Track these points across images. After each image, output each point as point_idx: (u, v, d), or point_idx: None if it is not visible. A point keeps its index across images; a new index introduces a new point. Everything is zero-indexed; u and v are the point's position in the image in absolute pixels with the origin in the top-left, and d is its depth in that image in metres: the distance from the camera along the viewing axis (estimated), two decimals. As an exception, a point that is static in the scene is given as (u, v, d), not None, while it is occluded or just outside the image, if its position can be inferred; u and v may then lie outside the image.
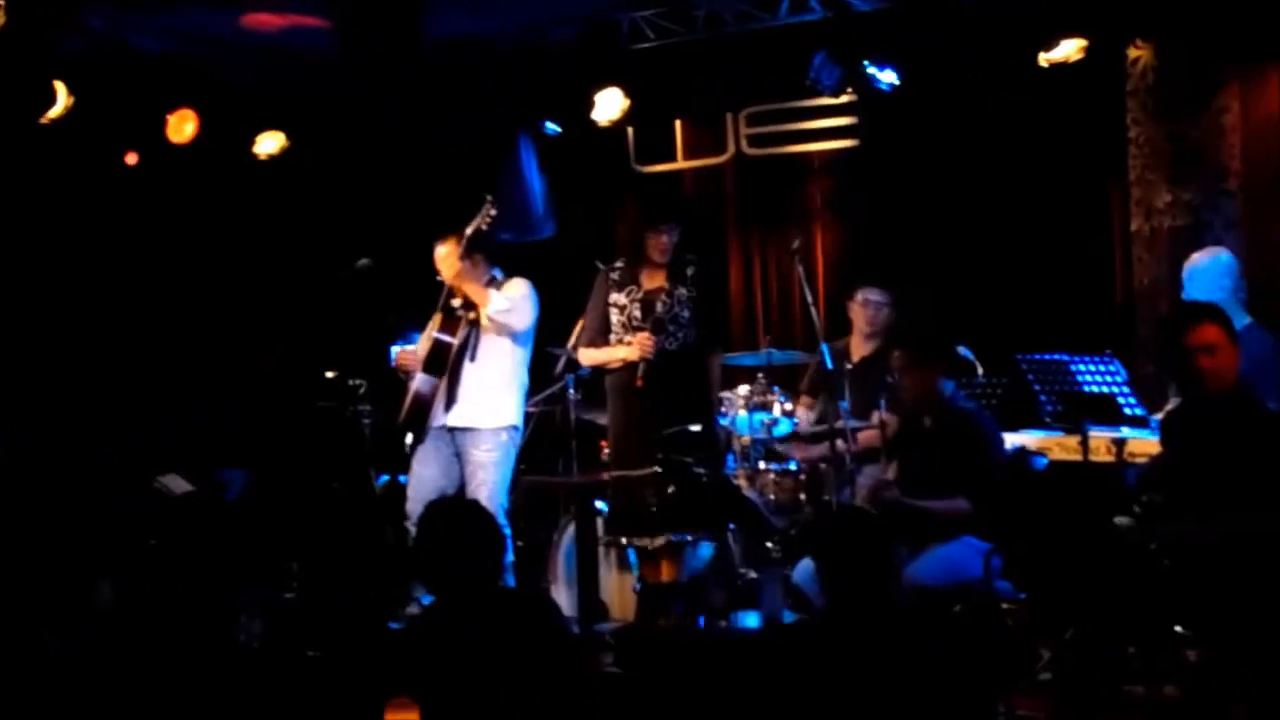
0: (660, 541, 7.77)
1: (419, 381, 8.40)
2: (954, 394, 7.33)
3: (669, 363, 7.95)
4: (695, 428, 7.88)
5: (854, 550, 5.19)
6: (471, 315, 8.38)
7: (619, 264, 8.23)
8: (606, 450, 8.48)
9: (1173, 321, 6.17)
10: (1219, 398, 5.96)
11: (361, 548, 8.86)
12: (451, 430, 8.37)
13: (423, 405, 8.41)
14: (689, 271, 8.07)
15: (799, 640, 5.30)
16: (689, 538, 7.79)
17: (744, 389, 8.26)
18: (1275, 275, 8.46)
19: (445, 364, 8.37)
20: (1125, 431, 7.38)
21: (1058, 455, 7.60)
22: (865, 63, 9.17)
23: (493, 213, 8.21)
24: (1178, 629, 6.15)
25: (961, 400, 7.37)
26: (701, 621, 7.52)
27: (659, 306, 7.97)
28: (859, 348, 8.70)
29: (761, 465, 8.15)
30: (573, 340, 8.60)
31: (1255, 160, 8.68)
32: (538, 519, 8.97)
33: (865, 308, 8.65)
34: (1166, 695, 6.23)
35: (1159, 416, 7.43)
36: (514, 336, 8.38)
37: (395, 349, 8.62)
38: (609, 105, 10.12)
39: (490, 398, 8.35)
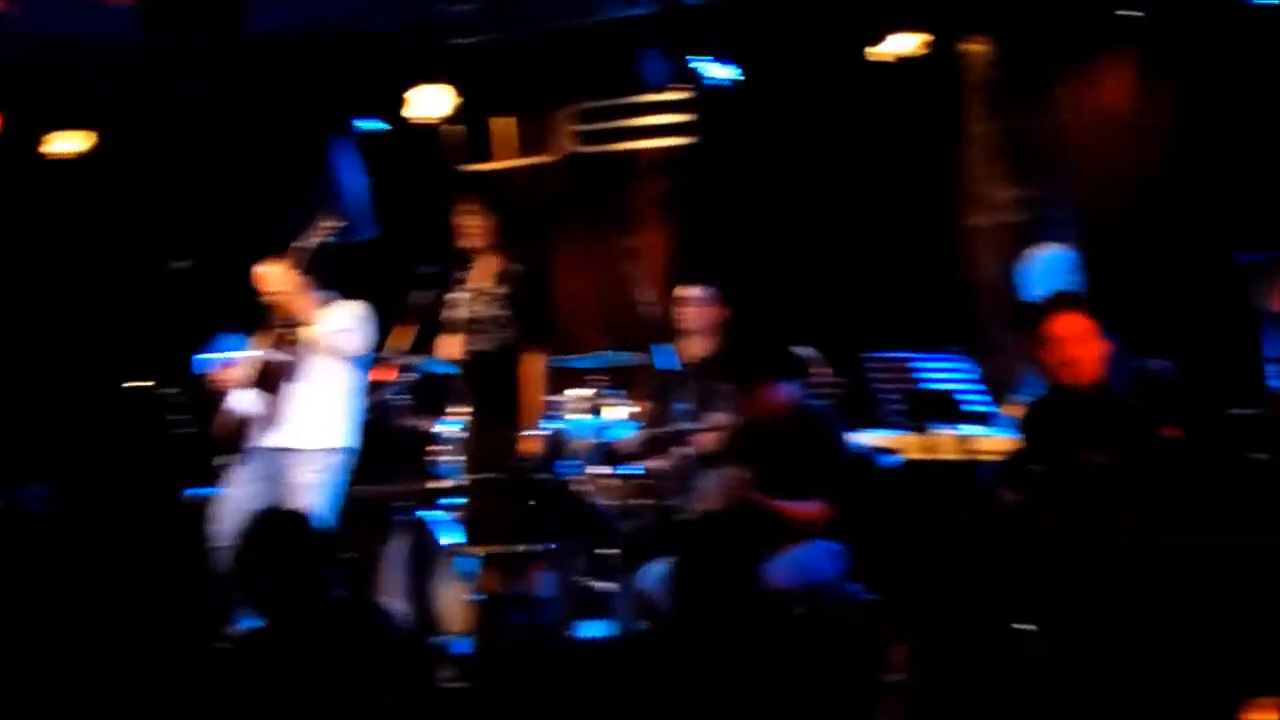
0: (499, 550, 7.66)
1: (239, 399, 8.17)
2: (800, 394, 7.28)
3: (483, 364, 7.84)
4: (538, 431, 7.77)
5: (710, 554, 5.13)
6: (301, 334, 8.16)
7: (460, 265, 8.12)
8: (438, 457, 8.32)
9: (1037, 309, 6.16)
10: (1082, 388, 5.97)
11: (168, 565, 8.60)
12: (277, 451, 8.15)
13: (242, 424, 8.18)
14: (509, 270, 7.95)
15: (650, 648, 5.20)
16: (530, 547, 7.66)
17: (581, 392, 8.18)
18: (1110, 269, 8.41)
19: (276, 383, 8.14)
20: (966, 429, 7.42)
21: (906, 454, 7.63)
22: (697, 58, 9.13)
23: (330, 225, 8.02)
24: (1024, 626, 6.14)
25: (808, 400, 7.33)
26: (546, 632, 7.39)
27: (476, 307, 7.87)
28: (693, 347, 8.67)
29: (600, 470, 8.06)
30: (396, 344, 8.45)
31: (1094, 156, 8.79)
32: (368, 530, 8.79)
33: (686, 306, 8.63)
34: (1015, 693, 6.24)
35: (1007, 413, 7.57)
36: (347, 357, 8.21)
37: (211, 359, 8.37)
38: (433, 102, 9.99)
39: (319, 418, 8.13)
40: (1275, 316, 7.11)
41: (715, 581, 5.07)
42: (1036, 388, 7.15)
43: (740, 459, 7.45)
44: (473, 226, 7.95)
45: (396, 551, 8.49)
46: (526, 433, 7.75)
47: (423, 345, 8.35)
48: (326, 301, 8.13)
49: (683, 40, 9.18)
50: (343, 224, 8.32)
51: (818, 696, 4.99)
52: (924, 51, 8.67)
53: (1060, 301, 6.18)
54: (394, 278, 8.56)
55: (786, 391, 7.20)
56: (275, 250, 8.06)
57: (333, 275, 8.24)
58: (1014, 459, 6.39)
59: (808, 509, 6.97)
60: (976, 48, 8.84)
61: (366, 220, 10.41)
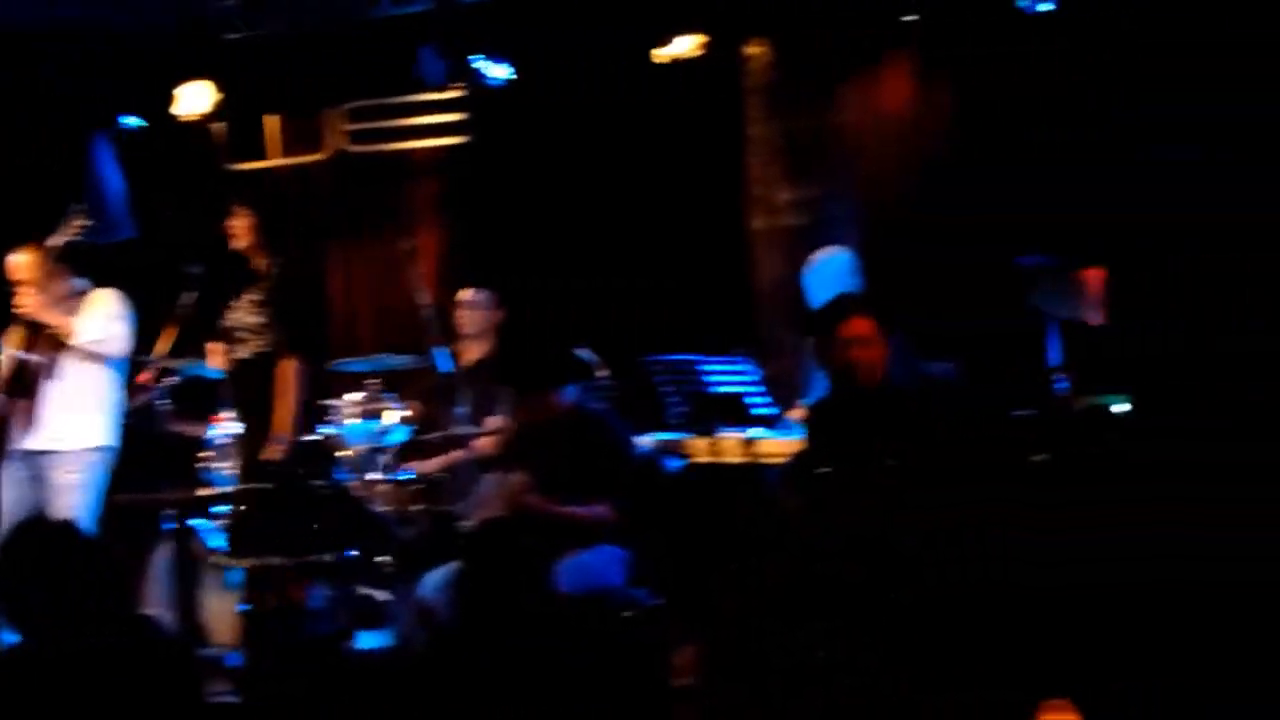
0: (271, 561, 7.48)
1: None
2: (581, 397, 7.19)
3: (246, 372, 7.63)
4: (311, 438, 7.61)
5: (493, 561, 5.02)
6: (53, 331, 7.86)
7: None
8: (207, 464, 8.14)
9: (825, 313, 6.14)
10: (869, 390, 5.97)
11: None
12: (34, 454, 7.85)
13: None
14: (270, 274, 7.76)
15: (430, 657, 5.06)
16: (303, 556, 7.49)
17: (354, 396, 8.02)
18: (892, 271, 8.34)
19: (29, 384, 7.85)
20: (751, 432, 7.39)
21: (691, 457, 7.56)
22: (473, 57, 9.00)
23: (82, 223, 7.76)
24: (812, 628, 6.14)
25: (590, 403, 7.24)
26: (321, 643, 7.20)
27: (238, 313, 7.67)
28: (470, 351, 8.58)
29: (375, 476, 7.91)
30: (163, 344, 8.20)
31: (873, 157, 8.83)
32: (133, 539, 8.50)
33: (463, 309, 8.56)
34: (804, 696, 6.23)
35: (792, 416, 7.56)
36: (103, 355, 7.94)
37: None
38: (196, 99, 9.73)
39: (77, 417, 7.87)
40: (1062, 319, 7.19)
41: (498, 589, 4.92)
42: (821, 390, 7.20)
43: (521, 463, 7.35)
44: (239, 228, 7.77)
45: (162, 561, 8.23)
46: (275, 441, 7.60)
47: (187, 348, 8.14)
48: (80, 294, 7.88)
49: (459, 39, 9.03)
50: (95, 222, 8.11)
51: (604, 703, 4.86)
52: (703, 53, 8.63)
53: (844, 304, 6.20)
54: (157, 278, 8.40)
55: (566, 395, 7.12)
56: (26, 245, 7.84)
57: (88, 273, 8.03)
58: (799, 461, 6.34)
59: (592, 513, 6.89)
60: (756, 50, 8.84)
61: (125, 219, 10.11)
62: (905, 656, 5.58)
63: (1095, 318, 7.16)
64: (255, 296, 7.79)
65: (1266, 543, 5.80)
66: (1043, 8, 7.72)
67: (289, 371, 7.86)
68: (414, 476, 7.96)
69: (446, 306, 8.78)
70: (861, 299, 6.28)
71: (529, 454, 7.30)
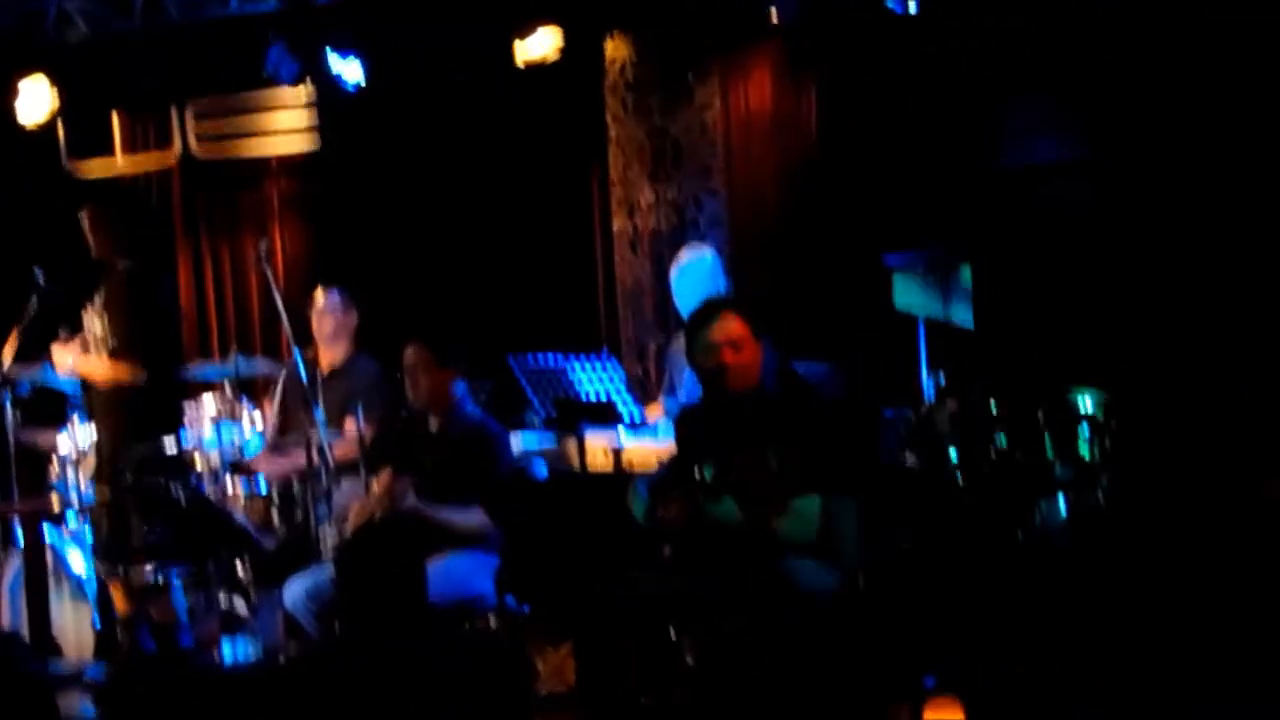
0: (128, 570, 7.43)
1: None
2: (464, 398, 7.12)
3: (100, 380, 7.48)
4: (166, 446, 7.48)
5: (360, 568, 4.94)
6: None
7: None
8: (58, 474, 7.99)
9: (696, 315, 6.07)
10: (742, 394, 5.92)
11: None
12: None
13: None
14: (111, 278, 7.60)
15: (300, 666, 4.97)
16: (161, 565, 7.43)
17: (209, 401, 7.90)
18: (760, 271, 8.57)
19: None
20: (623, 434, 7.38)
21: (557, 461, 7.57)
22: (326, 55, 8.87)
23: None
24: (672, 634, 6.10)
25: (470, 405, 7.16)
26: (183, 656, 7.07)
27: (90, 319, 7.52)
28: (326, 355, 8.42)
29: (230, 485, 7.78)
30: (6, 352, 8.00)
31: (739, 156, 8.82)
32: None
33: (316, 312, 8.41)
34: (673, 701, 6.21)
35: (651, 416, 7.56)
36: None
37: None
38: (34, 99, 9.49)
39: None
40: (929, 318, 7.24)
41: (373, 595, 4.84)
42: (690, 393, 7.29)
43: (395, 464, 7.27)
44: (86, 231, 7.60)
45: (14, 573, 7.99)
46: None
47: (33, 355, 7.95)
48: None
49: (311, 37, 8.88)
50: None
51: (471, 710, 4.81)
52: (562, 51, 8.53)
53: (714, 306, 6.10)
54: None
55: (459, 391, 7.04)
56: None
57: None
58: (671, 466, 6.27)
59: (470, 519, 6.82)
60: (616, 48, 8.79)
61: None
62: (785, 662, 5.62)
63: (965, 319, 7.22)
64: (99, 301, 7.61)
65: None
66: (903, 10, 7.70)
67: (131, 377, 7.68)
68: (268, 486, 7.80)
69: (303, 309, 8.58)
70: (732, 301, 6.20)
71: (398, 457, 7.24)
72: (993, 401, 6.59)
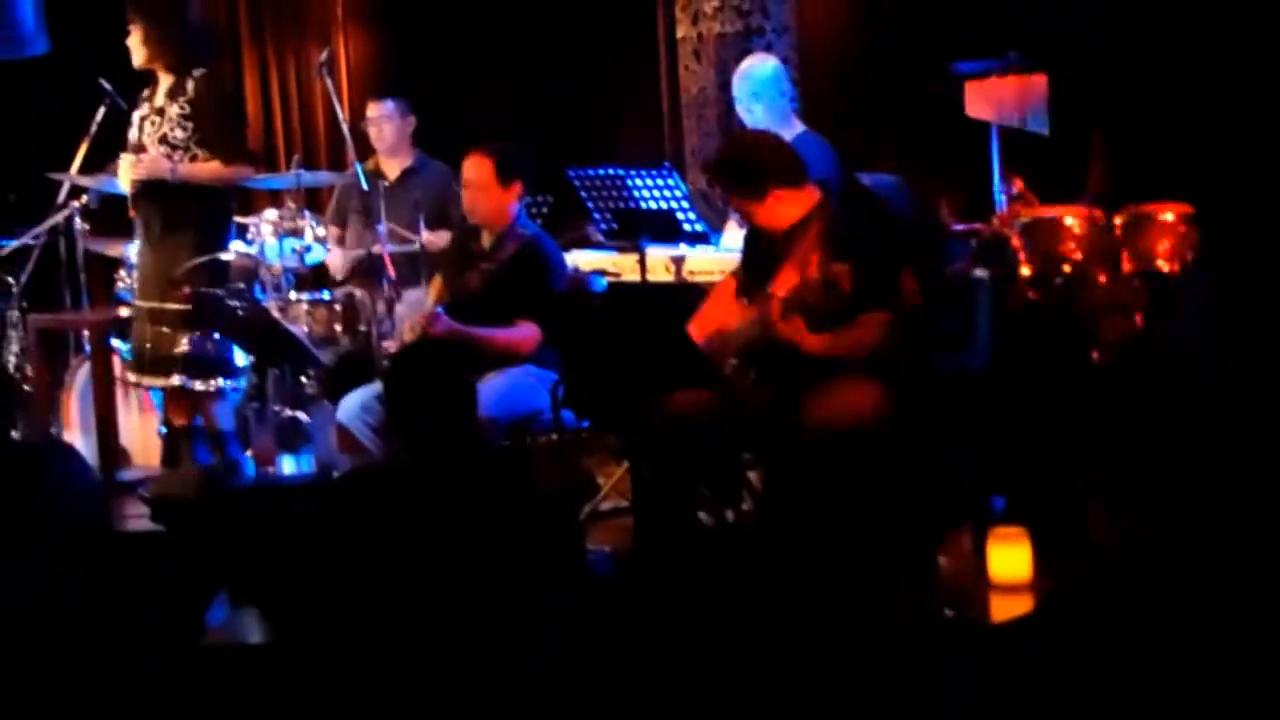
0: (184, 381, 7.02)
1: None
2: (519, 213, 6.64)
3: (158, 189, 7.04)
4: (226, 256, 7.06)
5: (418, 384, 4.54)
6: None
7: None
8: (123, 283, 7.71)
9: None
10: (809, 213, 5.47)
11: None
12: None
13: None
14: (188, 86, 7.12)
15: (371, 485, 4.60)
16: (218, 379, 7.08)
17: (272, 214, 7.45)
18: (824, 81, 8.12)
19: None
20: (684, 248, 6.94)
21: (618, 276, 7.10)
22: None
23: None
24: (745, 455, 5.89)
25: (524, 222, 6.69)
26: (237, 467, 6.74)
27: (149, 129, 7.07)
28: (389, 164, 8.06)
29: (294, 296, 7.34)
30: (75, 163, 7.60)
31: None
32: (48, 360, 7.96)
33: (373, 123, 8.05)
34: (737, 520, 5.86)
35: (724, 233, 7.08)
36: None
37: None
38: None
39: None
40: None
41: (420, 412, 4.44)
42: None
43: (446, 279, 6.84)
44: (140, 43, 7.11)
45: (81, 382, 7.80)
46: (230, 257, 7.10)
47: (97, 164, 7.53)
48: None
49: None
50: (6, 36, 7.47)
51: (527, 529, 4.41)
52: None
53: None
54: (69, 94, 7.94)
55: (516, 210, 6.57)
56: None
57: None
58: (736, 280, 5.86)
59: (515, 335, 6.40)
60: None
61: (38, 34, 9.45)
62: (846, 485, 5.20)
63: (1040, 124, 6.68)
64: (174, 111, 7.15)
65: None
66: None
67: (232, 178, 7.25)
68: (332, 296, 7.40)
69: (360, 121, 8.28)
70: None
71: (451, 269, 6.83)
72: (1067, 213, 6.09)
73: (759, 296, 5.43)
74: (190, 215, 7.05)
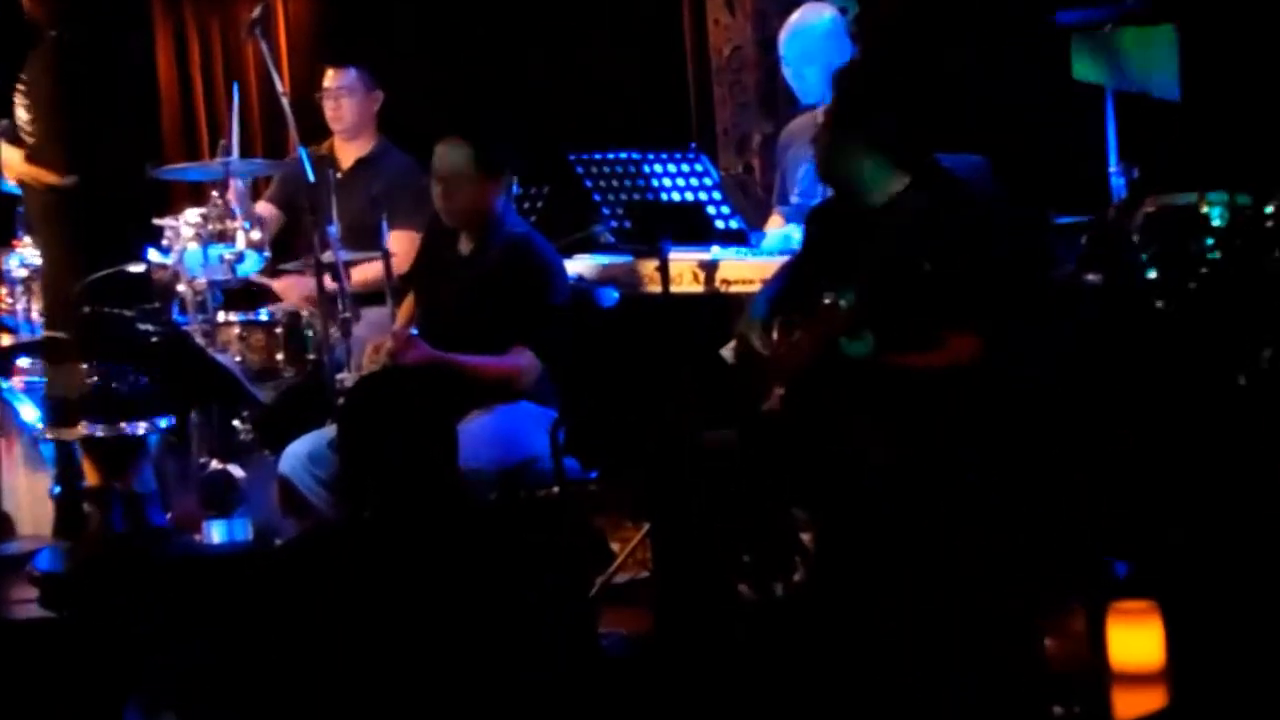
0: (84, 431, 7.14)
1: None
2: (506, 210, 6.72)
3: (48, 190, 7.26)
4: (135, 268, 7.18)
5: (395, 428, 4.62)
6: None
7: None
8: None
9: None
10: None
11: None
12: None
13: None
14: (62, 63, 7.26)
15: (322, 554, 4.67)
16: (133, 425, 7.17)
17: (193, 215, 7.59)
18: (895, 34, 8.04)
19: None
20: (716, 252, 7.00)
21: (634, 287, 7.21)
22: None
23: None
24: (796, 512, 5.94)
25: (514, 220, 6.77)
26: (158, 535, 6.89)
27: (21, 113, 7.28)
28: (346, 149, 8.25)
29: (222, 316, 7.55)
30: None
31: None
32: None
33: (330, 97, 8.22)
34: (786, 593, 5.89)
35: (768, 231, 7.18)
36: None
37: None
38: None
39: None
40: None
41: (380, 462, 4.51)
42: (807, 194, 7.03)
43: (419, 295, 6.99)
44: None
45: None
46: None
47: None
48: None
49: None
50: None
51: (525, 603, 4.49)
52: None
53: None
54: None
55: (500, 206, 6.68)
56: None
57: None
58: (786, 274, 6.00)
59: (506, 364, 6.49)
60: None
61: None
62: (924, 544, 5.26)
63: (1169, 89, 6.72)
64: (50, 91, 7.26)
65: None
66: None
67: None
68: (271, 317, 7.56)
69: (311, 96, 8.40)
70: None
71: (426, 281, 6.96)
72: (1205, 201, 6.10)
73: (820, 307, 5.49)
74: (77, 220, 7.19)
